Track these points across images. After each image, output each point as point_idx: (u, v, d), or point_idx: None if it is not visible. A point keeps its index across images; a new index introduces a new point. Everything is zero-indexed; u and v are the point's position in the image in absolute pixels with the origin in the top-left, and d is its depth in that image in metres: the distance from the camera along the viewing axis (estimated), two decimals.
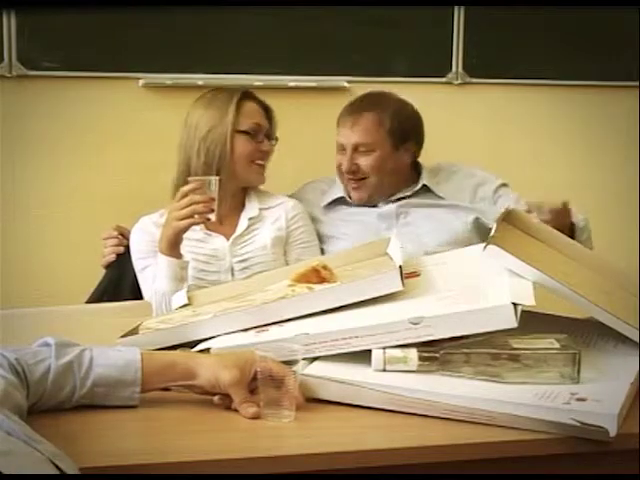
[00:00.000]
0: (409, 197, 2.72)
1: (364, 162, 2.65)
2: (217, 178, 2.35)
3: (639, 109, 3.58)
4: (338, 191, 2.74)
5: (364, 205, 2.72)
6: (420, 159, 2.80)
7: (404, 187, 2.73)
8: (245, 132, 2.54)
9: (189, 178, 2.38)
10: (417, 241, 2.61)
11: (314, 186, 2.80)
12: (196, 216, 2.30)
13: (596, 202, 3.74)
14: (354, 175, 2.66)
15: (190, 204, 2.29)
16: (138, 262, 2.51)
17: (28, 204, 3.30)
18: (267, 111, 2.62)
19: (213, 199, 2.30)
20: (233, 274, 2.50)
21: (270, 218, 2.57)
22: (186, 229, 2.32)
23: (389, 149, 2.66)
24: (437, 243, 2.59)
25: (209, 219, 2.32)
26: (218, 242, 2.53)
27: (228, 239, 2.53)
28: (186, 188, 2.31)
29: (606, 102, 3.74)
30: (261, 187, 2.65)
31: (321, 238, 2.67)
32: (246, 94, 2.59)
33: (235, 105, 2.53)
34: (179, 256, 2.35)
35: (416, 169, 2.79)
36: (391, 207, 2.70)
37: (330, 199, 2.73)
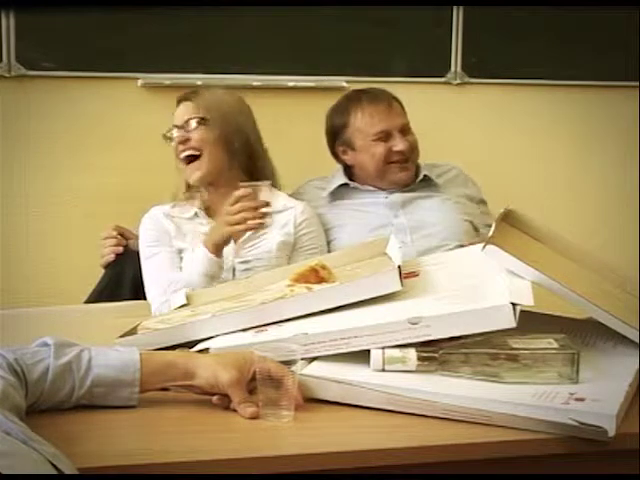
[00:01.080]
0: (410, 188, 2.74)
1: (413, 143, 2.72)
2: (269, 183, 2.37)
3: (639, 109, 3.58)
4: (340, 179, 2.76)
5: (369, 192, 2.74)
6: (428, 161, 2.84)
7: None
8: (172, 135, 2.55)
9: (240, 183, 2.36)
10: (423, 229, 2.63)
11: (314, 184, 2.80)
12: (249, 222, 2.30)
13: (596, 202, 3.75)
14: (405, 155, 2.70)
15: (241, 210, 2.29)
16: (146, 249, 2.51)
17: (27, 204, 3.30)
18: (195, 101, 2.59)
19: (267, 204, 2.30)
20: (234, 274, 2.49)
21: (279, 222, 2.55)
22: (237, 235, 2.35)
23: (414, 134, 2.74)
24: (444, 233, 2.63)
25: (262, 224, 2.31)
26: None
27: (235, 240, 2.49)
28: (238, 193, 2.31)
29: (606, 102, 3.74)
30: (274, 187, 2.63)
31: (327, 227, 2.68)
32: (179, 98, 2.60)
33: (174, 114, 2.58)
34: (221, 256, 2.37)
35: None
36: (397, 196, 2.71)
37: (335, 185, 2.75)
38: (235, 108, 2.57)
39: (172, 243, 2.51)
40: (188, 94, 2.58)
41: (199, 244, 2.41)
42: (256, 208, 2.29)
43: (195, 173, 2.52)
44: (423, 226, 2.65)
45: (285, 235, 2.54)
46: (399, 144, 2.67)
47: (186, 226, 2.54)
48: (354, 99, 2.76)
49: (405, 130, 2.70)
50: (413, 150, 2.71)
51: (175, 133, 2.54)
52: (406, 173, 2.72)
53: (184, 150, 2.52)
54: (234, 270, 2.50)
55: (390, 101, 2.73)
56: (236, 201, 2.30)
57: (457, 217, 2.69)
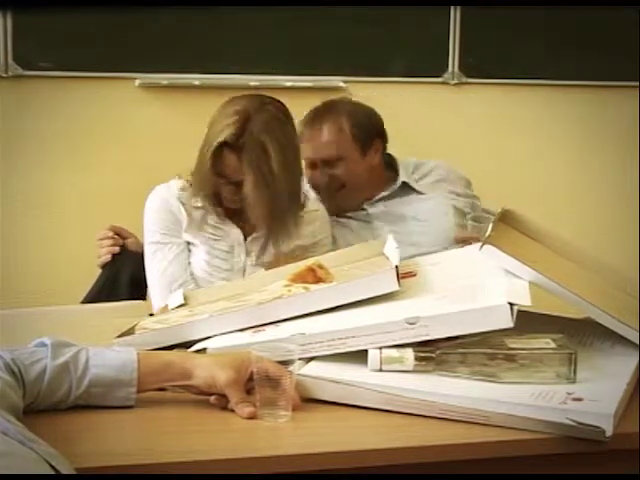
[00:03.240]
0: (390, 197, 2.69)
1: (338, 172, 2.62)
2: None
3: (639, 109, 3.58)
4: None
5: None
6: (414, 158, 2.80)
7: (383, 186, 2.71)
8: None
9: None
10: (408, 238, 2.60)
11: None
12: None
13: (596, 202, 3.76)
14: (330, 187, 2.62)
15: None
16: (154, 234, 2.41)
17: (25, 204, 3.30)
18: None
19: None
20: (244, 274, 2.40)
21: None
22: None
23: (357, 154, 2.63)
24: (430, 239, 2.59)
25: None
26: (234, 236, 2.41)
27: (246, 237, 2.42)
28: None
29: (606, 102, 3.74)
30: None
31: None
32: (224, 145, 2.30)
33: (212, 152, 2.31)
34: None
35: (390, 165, 2.75)
36: (378, 207, 2.68)
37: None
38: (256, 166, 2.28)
39: (182, 234, 2.40)
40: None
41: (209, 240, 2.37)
42: None
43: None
44: (408, 235, 2.61)
45: (301, 238, 2.45)
46: (317, 178, 2.61)
47: (197, 215, 2.41)
48: (309, 116, 2.67)
49: (332, 162, 2.61)
50: (336, 184, 2.62)
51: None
52: (338, 205, 2.64)
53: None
54: (244, 271, 2.42)
55: (326, 126, 2.61)
56: None
57: (443, 221, 2.65)
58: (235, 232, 2.42)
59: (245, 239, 2.42)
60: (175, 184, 2.45)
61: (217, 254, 2.41)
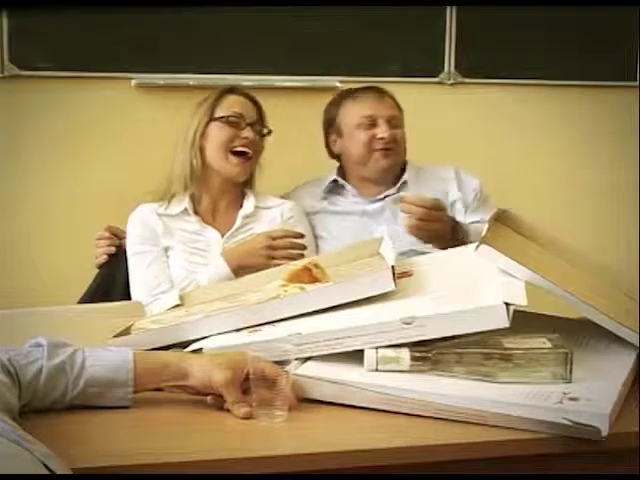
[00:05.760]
0: (393, 193, 2.73)
1: (398, 135, 2.72)
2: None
3: (639, 109, 3.59)
4: (332, 175, 2.78)
5: (352, 202, 2.72)
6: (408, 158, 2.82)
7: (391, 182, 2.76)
8: (222, 119, 2.54)
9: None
10: (402, 234, 2.61)
11: (306, 189, 2.79)
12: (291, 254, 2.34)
13: (595, 202, 3.75)
14: (387, 144, 2.69)
15: (286, 247, 2.34)
16: (134, 246, 2.52)
17: (23, 204, 3.30)
18: (256, 105, 2.61)
19: (302, 235, 2.38)
20: None
21: (266, 218, 2.57)
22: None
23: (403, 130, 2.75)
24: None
25: (302, 255, 2.33)
26: (212, 236, 2.53)
27: (222, 235, 2.54)
28: (284, 231, 2.38)
29: (605, 102, 3.74)
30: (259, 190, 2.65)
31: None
32: (232, 89, 2.61)
33: (216, 95, 2.56)
34: (238, 274, 2.36)
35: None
36: (378, 204, 2.71)
37: (327, 181, 2.76)
38: None
39: (159, 242, 2.52)
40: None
41: (218, 258, 2.43)
42: (298, 247, 2.35)
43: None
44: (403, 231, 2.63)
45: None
46: (382, 132, 2.68)
47: (173, 224, 2.55)
48: (348, 91, 2.81)
49: (393, 122, 2.71)
50: (397, 141, 2.71)
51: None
52: (388, 160, 2.71)
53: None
54: None
55: (383, 94, 2.75)
56: (282, 236, 2.35)
57: None
58: (212, 233, 2.55)
59: (222, 236, 2.54)
60: (156, 205, 2.58)
61: (195, 252, 2.52)
